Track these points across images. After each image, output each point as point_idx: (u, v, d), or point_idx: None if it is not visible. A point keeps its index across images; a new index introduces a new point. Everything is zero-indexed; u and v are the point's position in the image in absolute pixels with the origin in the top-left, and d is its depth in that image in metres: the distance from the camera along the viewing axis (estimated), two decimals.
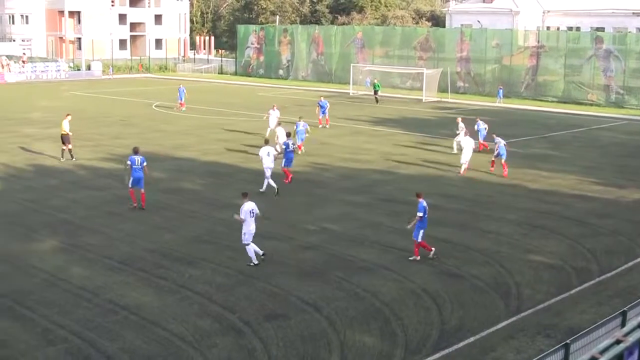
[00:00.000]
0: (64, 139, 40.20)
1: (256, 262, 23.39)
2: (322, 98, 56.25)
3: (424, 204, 24.22)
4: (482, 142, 44.79)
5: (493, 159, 38.86)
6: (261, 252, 23.67)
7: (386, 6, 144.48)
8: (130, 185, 30.33)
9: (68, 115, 41.71)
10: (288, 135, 37.07)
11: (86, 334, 18.14)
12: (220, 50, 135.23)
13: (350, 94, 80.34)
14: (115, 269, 22.92)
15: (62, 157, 40.03)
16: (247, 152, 42.72)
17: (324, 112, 54.33)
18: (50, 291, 20.95)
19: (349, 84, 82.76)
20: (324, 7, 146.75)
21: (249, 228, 23.42)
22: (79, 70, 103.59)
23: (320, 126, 53.23)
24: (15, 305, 19.87)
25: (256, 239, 23.90)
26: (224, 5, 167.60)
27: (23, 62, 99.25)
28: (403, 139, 49.18)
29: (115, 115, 59.50)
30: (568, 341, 13.82)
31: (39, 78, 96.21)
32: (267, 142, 35.03)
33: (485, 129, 45.16)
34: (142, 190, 30.36)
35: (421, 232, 24.14)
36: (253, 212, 23.53)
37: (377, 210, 30.53)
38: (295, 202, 31.79)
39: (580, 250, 25.71)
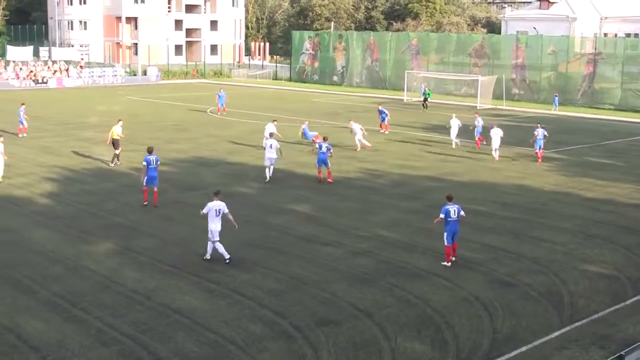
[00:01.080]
0: (115, 143, 40.91)
1: (208, 258, 24.09)
2: (380, 106, 56.35)
3: (448, 207, 24.14)
4: (478, 137, 48.38)
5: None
6: (226, 256, 23.91)
7: (441, 12, 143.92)
8: (145, 184, 31.52)
9: (120, 120, 43.24)
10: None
11: (138, 337, 18.30)
12: (274, 56, 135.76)
13: (405, 101, 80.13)
14: (168, 272, 23.10)
15: (112, 162, 40.44)
16: (299, 159, 42.80)
17: (383, 119, 54.78)
18: (104, 293, 21.18)
19: (403, 90, 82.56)
20: (378, 13, 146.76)
21: (213, 226, 23.85)
22: (135, 75, 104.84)
23: (381, 131, 53.98)
24: (70, 307, 20.13)
25: (311, 244, 23.91)
26: (279, 12, 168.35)
27: (81, 67, 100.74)
28: (456, 146, 48.84)
29: (170, 120, 60.05)
30: (623, 352, 13.64)
31: (96, 83, 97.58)
32: (271, 135, 39.10)
33: (482, 125, 48.96)
34: (156, 189, 31.59)
35: (445, 235, 24.14)
36: (219, 212, 23.91)
37: (429, 217, 30.27)
38: (348, 208, 31.77)
39: (636, 260, 25.30)
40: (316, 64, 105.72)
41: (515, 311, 20.34)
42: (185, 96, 70.94)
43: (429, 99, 73.92)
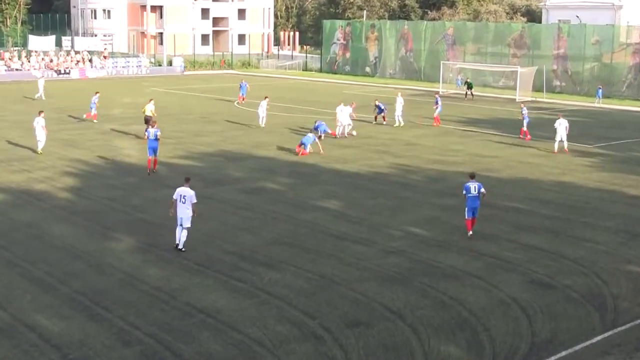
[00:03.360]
0: (148, 120, 44.47)
1: (177, 245, 24.96)
2: (377, 101, 56.95)
3: (469, 184, 26.95)
4: (524, 129, 49.97)
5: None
6: (177, 243, 24.89)
7: (479, 1, 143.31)
8: (148, 155, 37.14)
9: (151, 100, 49.72)
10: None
11: (162, 337, 18.40)
12: (305, 46, 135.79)
13: (440, 93, 79.80)
14: (193, 270, 23.20)
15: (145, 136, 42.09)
16: (331, 153, 42.85)
17: (380, 112, 55.52)
18: (127, 291, 21.32)
19: (439, 82, 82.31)
20: (413, 1, 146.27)
21: (179, 212, 24.84)
22: (160, 65, 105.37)
23: (374, 122, 55.03)
24: (92, 305, 20.27)
25: (341, 242, 23.93)
26: (310, 0, 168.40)
27: (104, 57, 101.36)
28: (495, 140, 48.70)
29: (197, 112, 60.30)
30: None
31: (120, 74, 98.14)
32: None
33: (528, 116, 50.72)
34: (156, 157, 37.22)
35: (465, 210, 27.07)
36: (184, 198, 24.78)
37: (465, 214, 30.23)
38: (380, 204, 31.74)
39: None
40: (348, 55, 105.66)
41: (554, 314, 20.23)
42: (211, 87, 71.19)
43: (472, 89, 74.98)
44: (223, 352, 17.66)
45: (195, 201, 24.90)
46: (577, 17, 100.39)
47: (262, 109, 53.03)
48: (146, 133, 38.83)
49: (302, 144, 42.50)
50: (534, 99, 74.68)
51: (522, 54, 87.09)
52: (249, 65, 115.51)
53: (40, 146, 41.76)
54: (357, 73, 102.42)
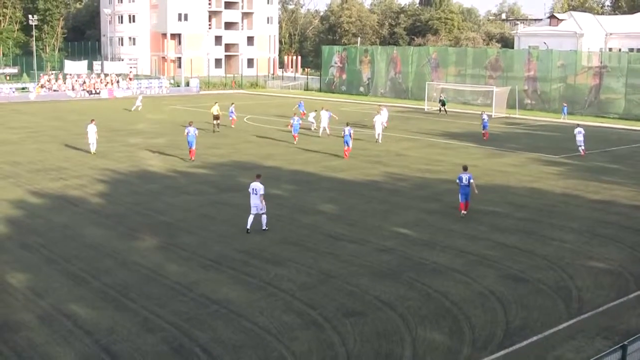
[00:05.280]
0: (216, 117, 56.80)
1: (248, 230, 26.66)
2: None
3: (462, 175, 30.01)
4: (484, 131, 54.84)
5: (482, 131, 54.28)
6: (247, 228, 26.54)
7: (459, 29, 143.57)
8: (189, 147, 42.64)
9: (216, 102, 60.13)
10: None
11: (181, 325, 18.39)
12: (306, 69, 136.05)
13: (425, 110, 79.89)
14: (208, 266, 23.19)
15: (214, 129, 56.30)
16: (329, 163, 42.86)
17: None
18: (150, 285, 21.31)
19: (424, 100, 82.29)
20: (401, 29, 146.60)
21: (252, 201, 27.04)
22: (178, 86, 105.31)
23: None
24: (120, 297, 20.28)
25: (339, 241, 23.92)
26: (310, 28, 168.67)
27: (130, 79, 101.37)
28: (474, 152, 48.69)
29: (210, 127, 60.30)
30: (626, 343, 13.51)
31: (143, 93, 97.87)
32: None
33: (488, 120, 55.63)
34: (194, 148, 42.81)
35: (459, 195, 30.33)
36: (255, 191, 26.78)
37: (449, 217, 30.27)
38: (373, 208, 31.73)
39: None
40: (344, 76, 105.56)
41: (527, 304, 20.22)
42: (224, 105, 70.80)
43: (445, 106, 75.40)
44: (235, 338, 17.66)
45: (263, 193, 26.86)
46: (545, 43, 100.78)
47: (324, 119, 54.52)
48: (186, 130, 43.27)
49: (294, 129, 50.20)
50: (507, 115, 74.62)
51: (497, 76, 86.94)
52: (257, 85, 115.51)
53: (92, 148, 45.45)
54: (353, 92, 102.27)
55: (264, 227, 27.28)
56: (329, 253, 24.79)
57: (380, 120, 53.19)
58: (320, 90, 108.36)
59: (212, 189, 35.09)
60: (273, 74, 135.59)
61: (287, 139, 52.90)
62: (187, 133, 42.96)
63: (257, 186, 26.93)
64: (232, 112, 62.09)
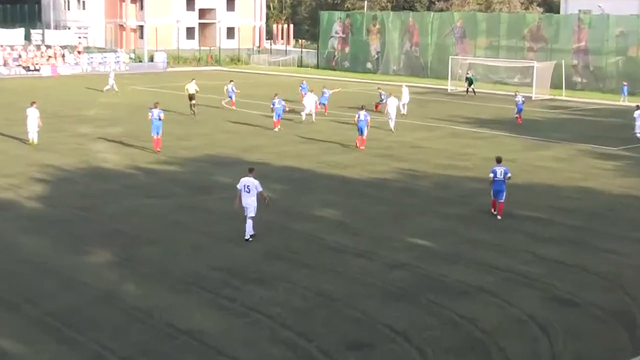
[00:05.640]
0: (191, 97, 58.31)
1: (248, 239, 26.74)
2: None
3: (496, 168, 30.95)
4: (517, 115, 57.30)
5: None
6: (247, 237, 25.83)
7: None
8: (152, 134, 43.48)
9: (193, 79, 60.94)
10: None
11: None
12: (300, 40, 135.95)
13: (449, 91, 79.96)
14: (176, 287, 23.08)
15: (194, 112, 58.65)
16: (329, 157, 42.83)
17: (381, 101, 59.59)
18: (102, 311, 21.17)
19: (447, 79, 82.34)
20: None
21: (244, 202, 27.16)
22: (140, 61, 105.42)
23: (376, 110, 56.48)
24: (63, 327, 20.13)
25: (340, 255, 23.82)
26: None
27: (78, 52, 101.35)
28: (509, 143, 48.66)
29: (181, 112, 60.17)
30: None
31: (96, 70, 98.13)
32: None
33: (523, 102, 57.88)
34: (158, 137, 43.37)
35: (491, 192, 31.14)
36: (248, 188, 26.94)
37: (477, 224, 30.21)
38: (383, 213, 31.66)
39: None
40: (347, 49, 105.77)
41: (578, 333, 20.13)
42: (199, 85, 70.59)
43: (473, 85, 75.39)
44: None
45: (260, 189, 27.04)
46: (600, 6, 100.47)
47: (310, 102, 56.58)
48: (150, 113, 43.71)
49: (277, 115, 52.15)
50: (552, 96, 74.73)
51: (539, 48, 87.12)
52: (239, 61, 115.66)
53: (33, 138, 45.84)
54: (358, 69, 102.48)
55: (247, 236, 27.34)
56: (329, 269, 24.71)
57: (396, 104, 53.45)
58: (317, 66, 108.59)
59: (182, 190, 35.02)
60: (259, 47, 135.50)
61: (271, 125, 52.82)
62: (151, 116, 43.49)
63: (250, 182, 27.15)
64: (232, 91, 64.91)
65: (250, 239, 27.23)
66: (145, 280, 23.63)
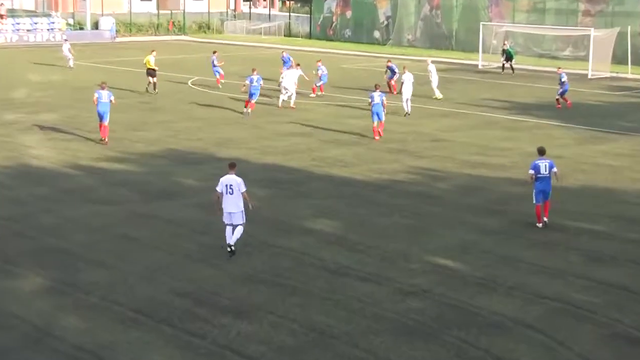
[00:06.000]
0: (150, 73, 60.50)
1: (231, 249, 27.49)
2: (389, 62, 61.80)
3: (538, 162, 31.23)
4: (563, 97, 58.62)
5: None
6: (230, 247, 27.26)
7: None
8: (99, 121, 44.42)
9: (153, 51, 63.26)
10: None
11: None
12: (288, 3, 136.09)
13: (480, 67, 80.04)
14: (129, 320, 23.09)
15: (148, 90, 60.74)
16: (324, 152, 42.84)
17: (392, 77, 61.04)
18: (34, 351, 21.15)
19: (478, 52, 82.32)
20: None
21: (226, 206, 27.57)
22: (81, 29, 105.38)
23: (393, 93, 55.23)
24: None
25: (341, 279, 23.85)
26: None
27: (1, 16, 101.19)
28: (558, 135, 48.70)
29: (136, 96, 60.19)
30: None
31: (24, 40, 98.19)
32: None
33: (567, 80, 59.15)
34: (106, 124, 44.08)
35: (534, 193, 31.27)
36: (230, 188, 27.36)
37: (516, 239, 30.23)
38: (395, 225, 31.70)
39: None
40: (348, 14, 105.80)
41: None
42: (158, 61, 70.43)
43: (513, 60, 75.25)
44: None
45: (245, 189, 27.53)
46: None
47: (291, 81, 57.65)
48: (96, 95, 44.59)
49: (250, 94, 53.47)
50: (614, 74, 74.72)
51: (598, 11, 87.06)
52: (209, 29, 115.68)
53: None
54: (362, 40, 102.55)
55: (230, 247, 27.78)
56: (325, 298, 24.71)
57: (412, 80, 54.56)
58: (310, 36, 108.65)
59: (136, 195, 35.02)
60: (235, 11, 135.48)
61: (254, 114, 52.79)
62: (98, 99, 44.16)
63: (232, 181, 27.57)
64: (215, 65, 66.65)
65: (230, 251, 27.55)
66: (90, 311, 23.62)
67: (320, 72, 61.29)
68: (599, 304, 24.52)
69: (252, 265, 27.19)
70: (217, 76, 65.48)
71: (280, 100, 56.15)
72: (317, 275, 26.43)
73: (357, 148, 44.11)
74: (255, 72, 53.60)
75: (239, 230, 27.57)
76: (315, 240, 29.90)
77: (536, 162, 31.20)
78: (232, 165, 28.25)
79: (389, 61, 64.31)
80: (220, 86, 63.95)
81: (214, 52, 67.70)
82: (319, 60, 63.13)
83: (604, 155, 43.63)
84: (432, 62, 63.14)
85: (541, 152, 31.87)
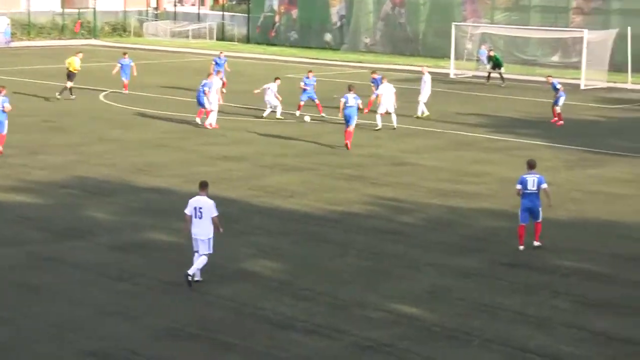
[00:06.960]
0: (70, 76, 64.15)
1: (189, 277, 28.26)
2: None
3: (527, 176, 32.67)
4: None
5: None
6: (190, 275, 27.70)
7: None
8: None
9: (79, 52, 68.26)
10: None
11: None
12: (221, 0, 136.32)
13: (452, 76, 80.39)
14: None
15: (58, 96, 64.22)
16: (266, 179, 42.93)
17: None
18: None
19: (449, 58, 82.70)
20: None
21: (195, 231, 29.08)
22: None
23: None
24: None
25: (285, 332, 24.00)
26: None
27: None
28: (544, 156, 48.92)
29: (36, 112, 60.07)
30: None
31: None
32: None
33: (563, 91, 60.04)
34: (4, 133, 46.25)
35: (519, 211, 32.77)
36: (200, 212, 28.74)
37: (496, 282, 30.42)
38: (350, 267, 31.80)
39: None
40: (294, 13, 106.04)
41: None
42: (61, 70, 70.47)
43: (502, 68, 75.94)
44: None
45: (216, 214, 28.87)
46: None
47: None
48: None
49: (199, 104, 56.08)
50: (612, 83, 75.23)
51: (592, 9, 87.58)
52: (125, 31, 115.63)
53: None
54: (311, 45, 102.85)
55: (197, 277, 29.10)
56: (266, 355, 24.81)
57: (392, 91, 56.31)
58: (248, 40, 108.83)
59: (38, 234, 34.93)
60: (157, 10, 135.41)
61: (179, 133, 52.81)
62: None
63: (203, 203, 28.76)
64: (126, 65, 68.34)
65: (192, 280, 28.68)
66: None
67: (302, 84, 61.40)
68: (594, 359, 24.76)
69: (178, 317, 27.19)
70: (125, 80, 67.10)
71: (267, 113, 58.67)
72: (257, 329, 26.47)
73: (305, 174, 44.24)
74: (210, 77, 55.83)
75: (202, 261, 28.68)
76: (253, 286, 29.95)
77: (524, 176, 32.75)
78: (204, 185, 29.05)
79: (373, 72, 65.06)
80: (126, 92, 65.22)
81: (125, 54, 71.63)
82: (310, 71, 63.61)
83: (598, 181, 43.97)
84: (427, 71, 63.78)
85: (531, 165, 33.32)
